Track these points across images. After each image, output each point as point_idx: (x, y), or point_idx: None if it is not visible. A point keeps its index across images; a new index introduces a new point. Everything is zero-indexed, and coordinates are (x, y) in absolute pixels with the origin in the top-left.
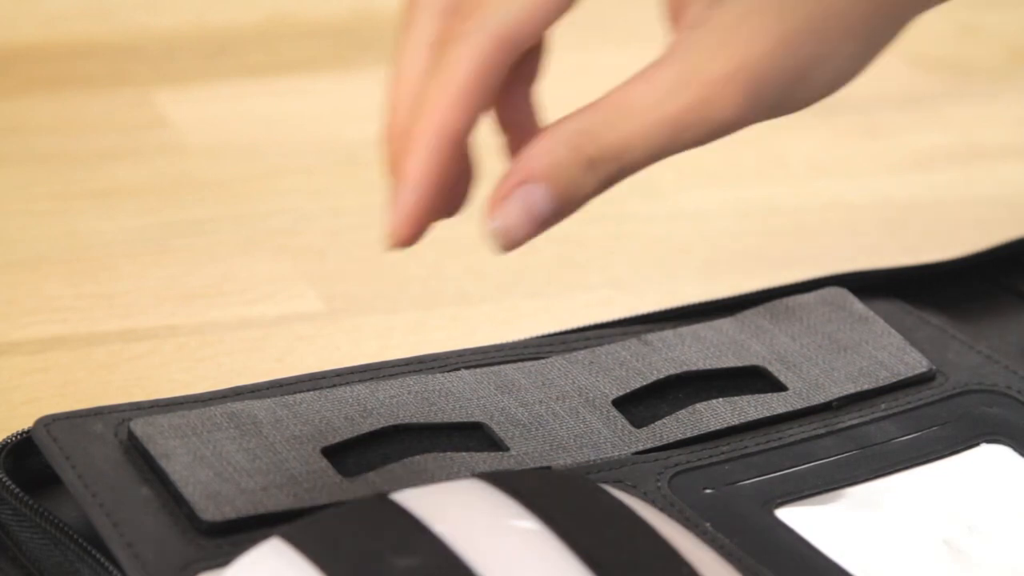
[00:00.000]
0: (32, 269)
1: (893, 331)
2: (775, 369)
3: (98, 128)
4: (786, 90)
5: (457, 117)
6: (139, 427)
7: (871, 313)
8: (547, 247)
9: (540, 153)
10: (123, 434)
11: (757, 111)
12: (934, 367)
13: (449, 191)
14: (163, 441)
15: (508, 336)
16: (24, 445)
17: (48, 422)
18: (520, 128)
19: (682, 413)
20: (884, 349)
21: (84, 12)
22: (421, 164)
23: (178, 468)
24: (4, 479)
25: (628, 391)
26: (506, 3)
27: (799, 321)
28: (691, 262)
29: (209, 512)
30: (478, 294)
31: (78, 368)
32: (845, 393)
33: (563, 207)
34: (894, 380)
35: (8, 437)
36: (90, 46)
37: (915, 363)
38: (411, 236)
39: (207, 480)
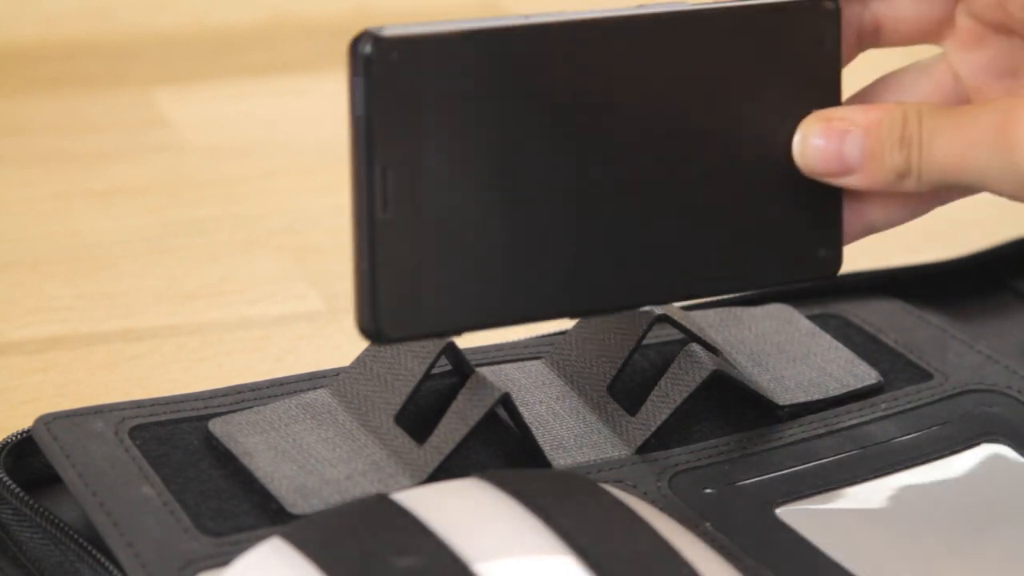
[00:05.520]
0: (32, 269)
1: (840, 345)
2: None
3: (98, 128)
4: None
5: None
6: (217, 427)
7: (817, 328)
8: None
9: None
10: (123, 432)
11: None
12: (882, 380)
13: None
14: (243, 439)
15: (508, 336)
16: (24, 444)
17: (48, 420)
18: None
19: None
20: (833, 362)
21: (84, 12)
22: None
23: (262, 465)
24: (4, 478)
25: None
26: None
27: (747, 329)
28: None
29: (298, 506)
30: None
31: (78, 368)
32: (795, 401)
33: None
34: (844, 391)
35: (8, 437)
36: (90, 46)
37: (864, 375)
38: None
39: (292, 474)
